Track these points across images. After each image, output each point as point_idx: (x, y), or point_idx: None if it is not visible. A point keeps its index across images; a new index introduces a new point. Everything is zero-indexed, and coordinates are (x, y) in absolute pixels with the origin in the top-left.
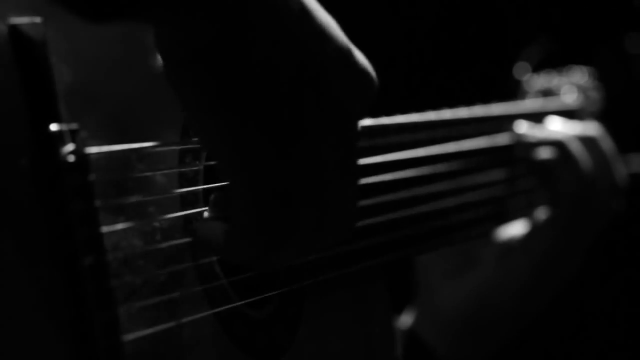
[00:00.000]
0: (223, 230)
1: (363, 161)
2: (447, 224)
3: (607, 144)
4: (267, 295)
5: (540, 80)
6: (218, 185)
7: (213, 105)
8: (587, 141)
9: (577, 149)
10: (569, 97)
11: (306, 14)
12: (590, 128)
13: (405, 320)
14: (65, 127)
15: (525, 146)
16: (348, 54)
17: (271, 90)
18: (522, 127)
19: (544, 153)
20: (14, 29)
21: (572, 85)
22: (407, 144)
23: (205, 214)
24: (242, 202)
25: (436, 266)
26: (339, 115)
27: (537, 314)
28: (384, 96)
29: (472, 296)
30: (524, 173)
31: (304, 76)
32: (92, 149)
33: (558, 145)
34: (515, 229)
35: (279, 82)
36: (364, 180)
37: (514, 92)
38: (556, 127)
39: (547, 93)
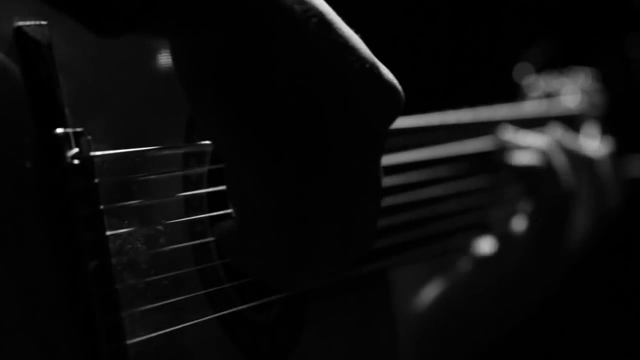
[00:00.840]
0: (246, 247)
1: None
2: (425, 235)
3: (603, 168)
4: (270, 299)
5: (541, 83)
6: (221, 189)
7: (231, 123)
8: (578, 159)
9: (559, 161)
10: (572, 100)
11: (326, 26)
12: (591, 147)
13: None
14: (70, 130)
15: (510, 151)
16: (373, 67)
17: (292, 107)
18: (508, 132)
19: (527, 160)
20: (19, 31)
21: (574, 87)
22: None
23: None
24: (264, 219)
25: (408, 272)
26: (365, 131)
27: (509, 326)
28: None
29: (442, 301)
30: (507, 180)
31: (327, 91)
32: (97, 153)
33: (542, 154)
34: (493, 236)
35: (300, 98)
36: None
37: (514, 94)
38: (550, 136)
39: (549, 95)
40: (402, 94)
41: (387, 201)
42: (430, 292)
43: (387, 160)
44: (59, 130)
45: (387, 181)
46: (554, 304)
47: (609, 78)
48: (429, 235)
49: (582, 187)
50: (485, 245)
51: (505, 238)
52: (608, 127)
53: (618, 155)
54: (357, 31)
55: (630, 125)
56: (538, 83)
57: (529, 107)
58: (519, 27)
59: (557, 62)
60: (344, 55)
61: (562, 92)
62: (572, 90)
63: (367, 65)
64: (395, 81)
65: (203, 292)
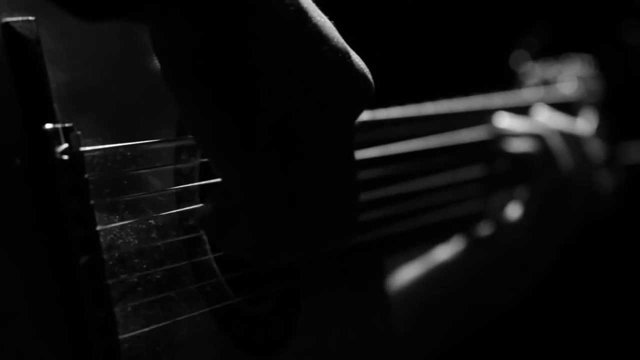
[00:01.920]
0: (226, 225)
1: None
2: (421, 224)
3: (592, 146)
4: (264, 291)
5: (538, 70)
6: (214, 182)
7: (208, 106)
8: (571, 139)
9: (557, 144)
10: (568, 87)
11: (302, 14)
12: (579, 126)
13: None
14: (59, 125)
15: (504, 139)
16: (345, 56)
17: (267, 91)
18: (502, 120)
19: (523, 146)
20: (6, 27)
21: (571, 74)
22: (379, 140)
23: (204, 207)
24: (244, 205)
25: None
26: (337, 118)
27: (499, 308)
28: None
29: (426, 280)
30: (503, 168)
31: (299, 77)
32: (87, 148)
33: (538, 138)
34: (488, 222)
35: (274, 83)
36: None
37: (510, 82)
38: (541, 119)
39: (545, 83)
40: (373, 84)
41: (382, 192)
42: (419, 269)
43: (383, 150)
44: (48, 125)
45: (383, 172)
46: (547, 288)
47: (606, 65)
48: (424, 225)
49: (575, 167)
50: (480, 229)
51: (500, 223)
52: (605, 114)
53: (615, 141)
54: (331, 18)
55: (628, 112)
56: (534, 70)
57: (525, 95)
58: (515, 15)
59: (554, 49)
60: (317, 44)
61: (558, 80)
62: (568, 77)
63: (340, 55)
64: (366, 71)
65: (196, 285)
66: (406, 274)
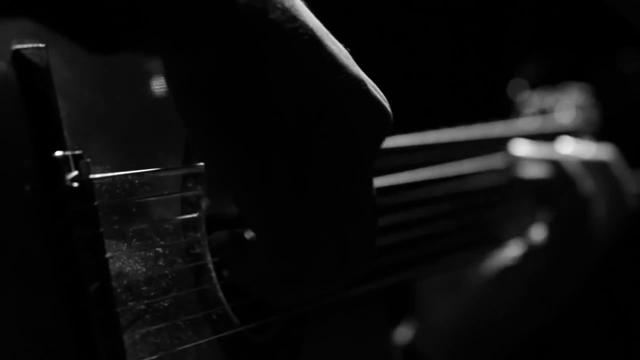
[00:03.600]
0: (242, 252)
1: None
2: (442, 248)
3: (617, 169)
4: (270, 320)
5: (536, 99)
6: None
7: (221, 139)
8: (594, 165)
9: (574, 169)
10: (566, 116)
11: (317, 43)
12: (600, 151)
13: (404, 333)
14: (69, 153)
15: (522, 165)
16: (361, 84)
17: (283, 125)
18: (519, 147)
19: (541, 172)
20: (17, 54)
21: (569, 103)
22: (398, 167)
23: (220, 234)
24: (261, 229)
25: (432, 280)
26: (353, 148)
27: (531, 331)
28: None
29: (464, 312)
30: (521, 194)
31: (314, 108)
32: (96, 175)
33: (555, 164)
34: (510, 249)
35: (291, 116)
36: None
37: (508, 111)
38: (559, 147)
39: (543, 112)
40: (391, 113)
41: (402, 216)
42: (456, 301)
43: (398, 178)
44: (58, 153)
45: (399, 198)
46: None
47: (604, 93)
48: (441, 249)
49: (600, 191)
50: (507, 254)
51: (527, 247)
52: (604, 143)
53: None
54: (346, 46)
55: (626, 140)
56: (532, 99)
57: (523, 124)
58: (513, 44)
59: (551, 78)
60: (333, 74)
61: (556, 108)
62: (566, 106)
63: (356, 84)
64: (384, 100)
65: (202, 313)
66: (443, 302)
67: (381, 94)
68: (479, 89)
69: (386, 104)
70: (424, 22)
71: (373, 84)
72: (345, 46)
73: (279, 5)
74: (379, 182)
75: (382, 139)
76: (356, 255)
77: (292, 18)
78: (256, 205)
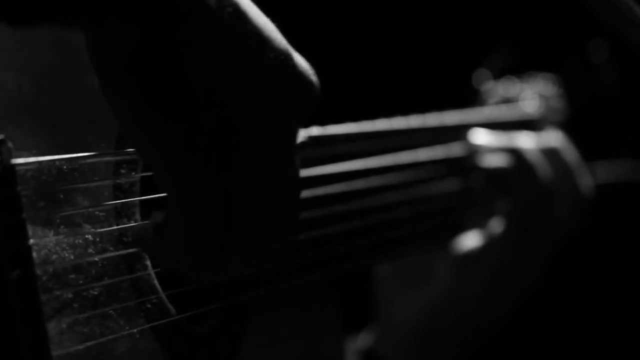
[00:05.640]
0: (160, 238)
1: (312, 172)
2: (400, 235)
3: (570, 155)
4: (207, 309)
5: (500, 88)
6: (153, 198)
7: (145, 115)
8: (548, 152)
9: (534, 158)
10: (530, 106)
11: (241, 15)
12: (553, 138)
13: (365, 338)
14: None
15: (481, 154)
16: (287, 57)
17: (205, 97)
18: (478, 136)
19: (500, 161)
20: None
21: (534, 93)
22: (358, 153)
23: (143, 224)
24: (180, 212)
25: (393, 282)
26: (276, 120)
27: (496, 324)
28: (333, 104)
29: (427, 310)
30: (480, 183)
31: (237, 80)
32: (19, 160)
33: (514, 153)
34: (471, 240)
35: (212, 88)
36: (314, 192)
37: (472, 100)
38: (515, 137)
39: (507, 101)
40: (317, 84)
41: (358, 204)
42: (417, 299)
43: (356, 164)
44: None
45: (357, 184)
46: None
47: (571, 84)
48: (404, 235)
49: (556, 179)
50: (467, 246)
51: (487, 238)
52: (571, 133)
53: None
54: (273, 20)
55: (594, 131)
56: (496, 89)
57: (486, 112)
58: (479, 34)
59: (518, 68)
60: (258, 46)
61: (520, 98)
62: (530, 96)
63: (282, 57)
64: (310, 72)
65: (134, 302)
66: (404, 302)
67: (308, 67)
68: (443, 78)
69: (313, 78)
70: (390, 11)
71: (300, 57)
72: (272, 20)
73: None
74: (336, 168)
75: (305, 113)
76: (279, 230)
77: None
78: (176, 179)
